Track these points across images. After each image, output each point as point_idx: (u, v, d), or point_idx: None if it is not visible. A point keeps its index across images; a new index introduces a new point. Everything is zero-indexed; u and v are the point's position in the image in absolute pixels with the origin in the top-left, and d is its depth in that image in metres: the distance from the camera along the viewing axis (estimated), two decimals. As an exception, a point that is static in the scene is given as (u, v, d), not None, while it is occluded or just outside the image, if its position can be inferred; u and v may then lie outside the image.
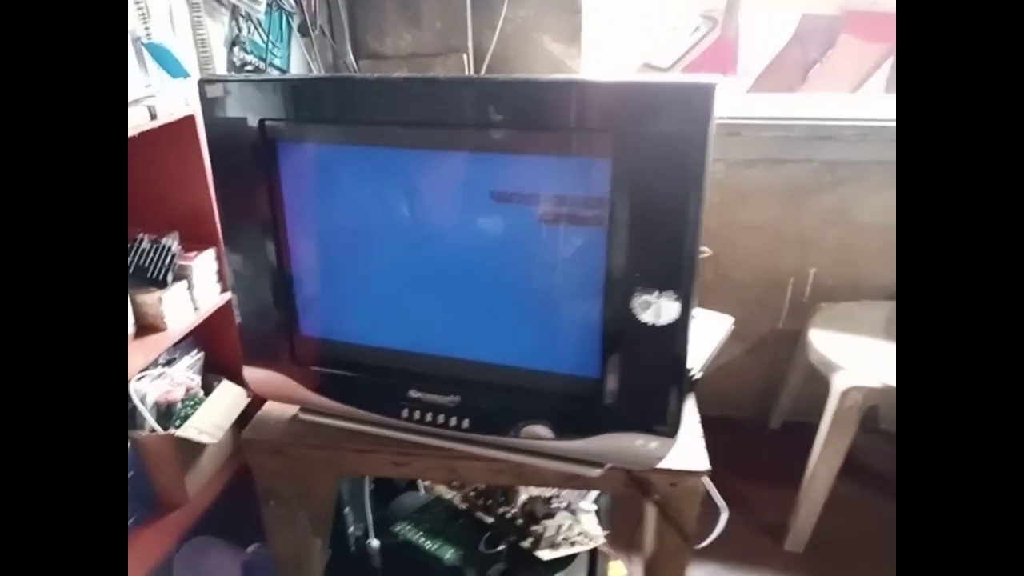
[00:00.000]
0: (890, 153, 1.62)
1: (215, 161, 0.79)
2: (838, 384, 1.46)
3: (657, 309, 0.68)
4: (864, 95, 2.16)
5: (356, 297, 0.82)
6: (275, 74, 1.40)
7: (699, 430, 0.84)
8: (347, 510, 1.23)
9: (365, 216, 0.77)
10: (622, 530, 1.29)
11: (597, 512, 1.23)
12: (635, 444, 0.73)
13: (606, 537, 1.19)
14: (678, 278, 0.66)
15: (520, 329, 0.77)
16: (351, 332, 0.84)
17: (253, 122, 0.74)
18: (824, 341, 1.58)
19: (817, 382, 1.54)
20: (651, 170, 0.64)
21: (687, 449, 0.80)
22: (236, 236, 0.81)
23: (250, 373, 0.88)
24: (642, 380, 0.71)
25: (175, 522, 1.12)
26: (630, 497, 0.83)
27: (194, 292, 1.10)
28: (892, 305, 1.72)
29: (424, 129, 0.71)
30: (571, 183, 0.68)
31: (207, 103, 0.75)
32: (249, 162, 0.77)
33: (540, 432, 0.76)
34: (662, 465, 0.75)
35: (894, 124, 1.65)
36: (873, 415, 1.87)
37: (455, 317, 0.79)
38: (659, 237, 0.66)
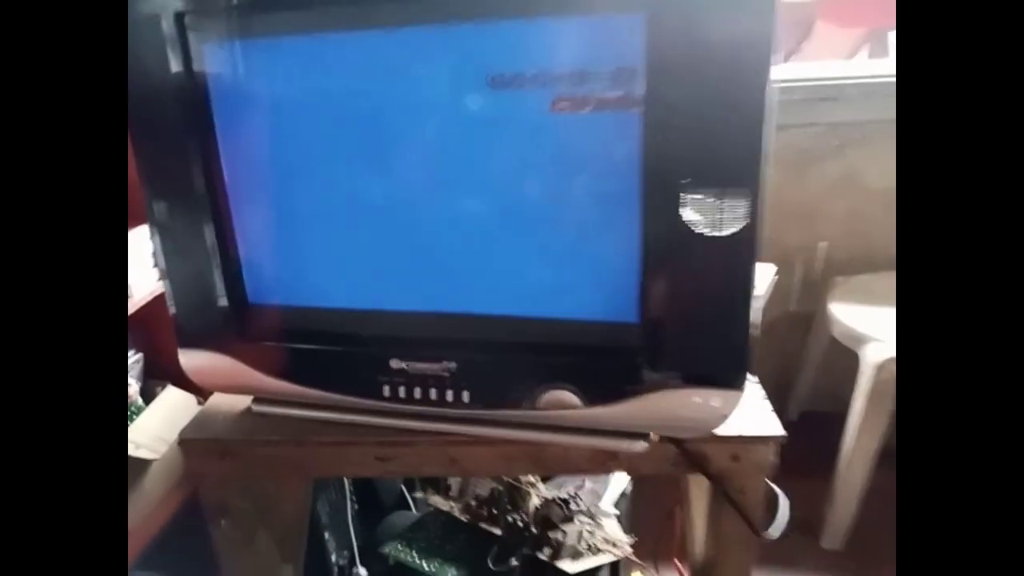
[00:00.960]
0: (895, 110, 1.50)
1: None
2: (871, 357, 1.32)
3: (717, 214, 0.51)
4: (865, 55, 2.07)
5: (316, 245, 0.64)
6: None
7: (760, 390, 0.67)
8: (327, 535, 1.05)
9: (324, 131, 0.60)
10: (646, 536, 1.13)
11: (618, 517, 1.06)
12: (691, 402, 0.56)
13: (631, 545, 1.02)
14: (746, 169, 0.50)
15: (530, 265, 0.59)
16: (311, 293, 0.66)
17: (168, 19, 0.57)
18: (849, 314, 1.44)
19: (838, 366, 1.41)
20: (700, 26, 0.48)
21: (748, 412, 0.63)
22: (156, 174, 0.64)
23: (188, 358, 0.70)
24: (697, 315, 0.55)
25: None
26: (656, 496, 0.66)
27: (123, 275, 0.91)
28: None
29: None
30: (592, 53, 0.51)
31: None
32: (167, 75, 0.59)
33: (565, 399, 0.59)
34: (723, 431, 0.58)
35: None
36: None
37: (445, 258, 0.61)
38: (715, 115, 0.50)
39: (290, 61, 0.58)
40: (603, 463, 0.64)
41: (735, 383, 0.55)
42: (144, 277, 0.94)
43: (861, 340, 1.36)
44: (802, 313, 1.73)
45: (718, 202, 0.51)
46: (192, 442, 0.70)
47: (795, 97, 1.60)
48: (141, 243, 0.93)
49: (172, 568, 0.99)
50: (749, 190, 0.50)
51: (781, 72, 1.67)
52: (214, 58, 0.59)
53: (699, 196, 0.51)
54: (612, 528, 1.01)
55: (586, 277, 0.58)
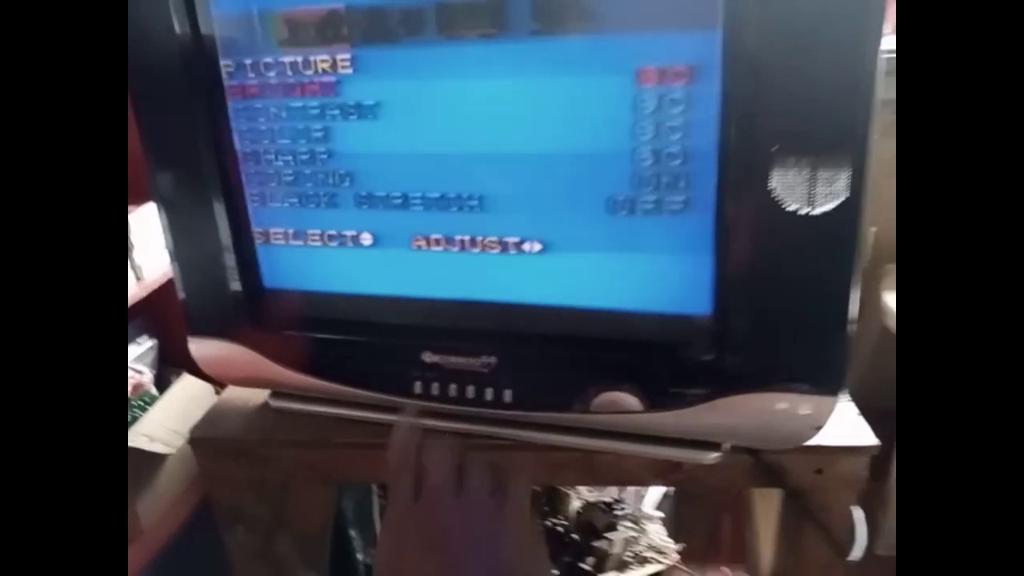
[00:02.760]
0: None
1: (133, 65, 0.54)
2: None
3: (812, 190, 0.43)
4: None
5: (339, 223, 0.57)
6: None
7: (847, 394, 0.58)
8: (353, 532, 0.99)
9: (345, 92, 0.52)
10: (693, 541, 1.06)
11: (663, 519, 0.98)
12: (775, 409, 0.48)
13: (679, 552, 0.94)
14: (848, 135, 0.41)
15: (584, 249, 0.51)
16: (334, 278, 0.59)
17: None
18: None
19: (889, 358, 1.31)
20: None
21: (836, 419, 0.54)
22: (160, 143, 0.57)
23: (198, 347, 0.63)
24: (784, 307, 0.46)
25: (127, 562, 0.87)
26: (699, 498, 0.58)
27: (133, 257, 0.84)
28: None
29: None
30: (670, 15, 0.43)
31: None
32: (171, 37, 0.52)
33: (623, 402, 0.51)
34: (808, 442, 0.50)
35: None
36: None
37: (483, 236, 0.53)
38: (810, 70, 0.41)
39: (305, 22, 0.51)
40: (663, 475, 0.56)
41: (830, 387, 0.47)
42: (156, 258, 0.88)
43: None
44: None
45: (812, 173, 0.43)
46: (204, 441, 0.64)
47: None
48: (152, 221, 0.87)
49: (194, 570, 0.94)
50: (850, 159, 0.42)
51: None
52: (224, 20, 0.52)
53: (789, 169, 0.43)
54: (657, 533, 0.94)
55: (651, 260, 0.50)
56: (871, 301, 1.45)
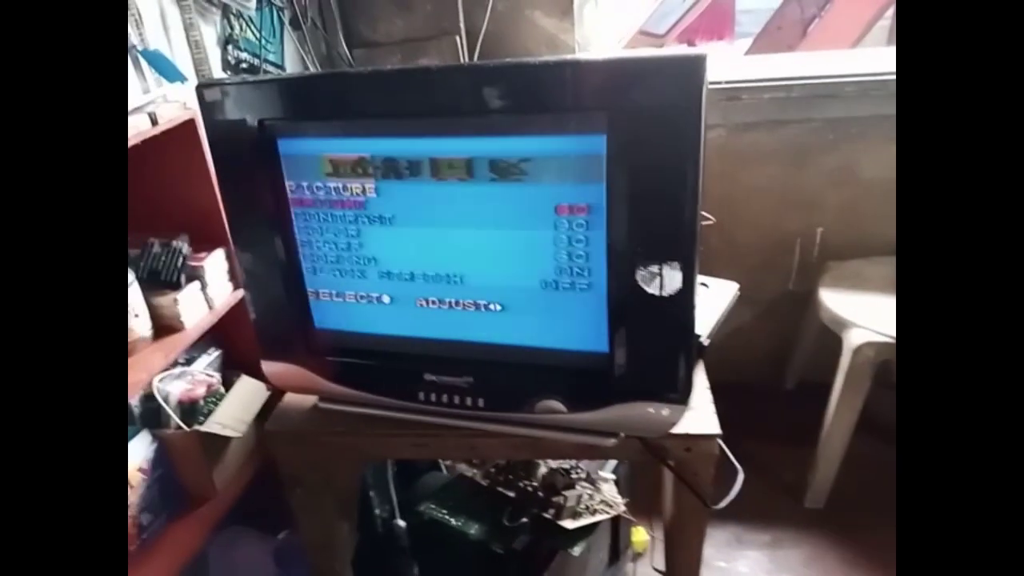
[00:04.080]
0: (892, 107, 1.60)
1: (218, 162, 0.80)
2: (850, 341, 1.47)
3: (661, 280, 0.69)
4: (864, 49, 2.13)
5: (367, 288, 0.84)
6: (271, 72, 1.41)
7: (709, 395, 0.85)
8: (372, 493, 1.26)
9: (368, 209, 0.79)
10: (643, 497, 1.32)
11: (616, 481, 1.25)
12: (647, 412, 0.75)
13: (626, 505, 1.21)
14: (680, 248, 0.67)
15: (531, 313, 0.78)
16: (363, 322, 0.86)
17: (252, 122, 0.76)
18: (835, 299, 1.59)
19: (830, 341, 1.55)
20: (647, 144, 0.65)
21: (699, 414, 0.82)
22: (244, 235, 0.83)
23: (268, 367, 0.91)
24: (651, 350, 0.73)
25: (206, 515, 1.15)
26: (648, 465, 0.85)
27: (207, 291, 1.12)
28: (900, 260, 1.71)
29: (418, 119, 0.72)
30: (567, 163, 0.69)
31: (206, 107, 0.76)
32: (252, 161, 0.78)
33: (554, 407, 0.78)
34: (676, 431, 0.77)
35: (895, 78, 1.64)
36: (887, 370, 1.88)
37: (463, 299, 0.80)
38: (658, 210, 0.67)
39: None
40: (585, 452, 0.84)
41: (680, 399, 0.74)
42: (222, 293, 1.16)
43: (843, 325, 1.51)
44: (799, 292, 1.86)
45: (660, 272, 0.69)
46: (274, 434, 0.92)
47: (794, 94, 1.70)
48: (219, 265, 1.14)
49: (250, 520, 1.23)
50: (684, 262, 0.68)
51: (783, 69, 1.78)
52: (287, 151, 0.78)
53: (647, 268, 0.69)
54: (609, 491, 1.21)
55: (569, 319, 0.77)
56: (815, 293, 1.69)
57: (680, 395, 0.73)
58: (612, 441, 0.80)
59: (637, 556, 1.44)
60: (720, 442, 0.82)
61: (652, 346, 0.73)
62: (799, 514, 1.61)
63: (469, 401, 0.82)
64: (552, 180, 0.70)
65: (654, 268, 0.69)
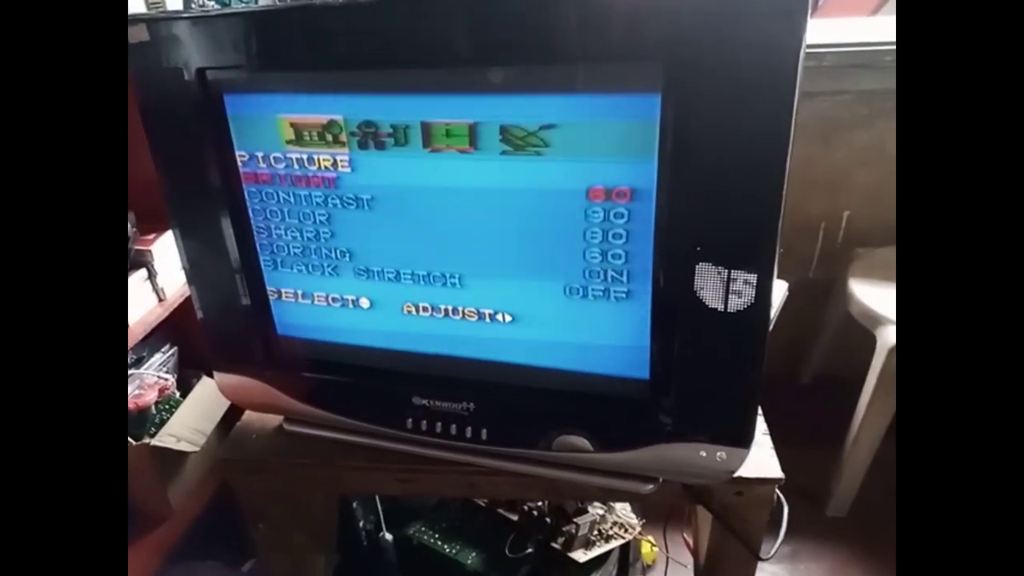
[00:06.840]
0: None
1: (150, 125, 0.62)
2: (885, 339, 1.33)
3: (726, 291, 0.53)
4: (884, 18, 1.96)
5: (342, 287, 0.67)
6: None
7: (764, 426, 0.70)
8: (355, 504, 1.12)
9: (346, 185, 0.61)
10: (655, 515, 1.19)
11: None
12: (699, 456, 0.59)
13: (642, 526, 1.07)
14: (755, 251, 0.51)
15: (551, 323, 0.61)
16: (336, 331, 0.69)
17: (190, 73, 0.58)
18: (867, 292, 1.44)
19: (852, 333, 1.42)
20: (718, 109, 0.48)
21: (755, 452, 0.66)
22: (186, 217, 0.66)
23: (222, 380, 0.74)
24: (707, 379, 0.57)
25: (159, 539, 1.01)
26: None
27: (157, 280, 0.94)
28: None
29: (407, 70, 0.54)
30: (606, 132, 0.52)
31: (131, 51, 0.58)
32: (192, 124, 0.61)
33: (578, 444, 0.62)
34: (727, 474, 0.62)
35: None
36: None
37: (462, 306, 0.63)
38: (728, 199, 0.51)
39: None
40: (612, 496, 0.68)
41: (741, 441, 0.58)
42: (176, 281, 0.98)
43: (877, 321, 1.37)
44: (820, 280, 1.72)
45: (726, 280, 0.52)
46: (230, 462, 0.75)
47: (826, 63, 1.54)
48: (171, 247, 0.96)
49: (211, 546, 1.07)
50: (759, 270, 0.51)
51: (814, 35, 1.62)
52: (236, 111, 0.60)
53: (709, 274, 0.52)
54: (623, 512, 1.06)
55: (601, 334, 0.60)
56: (841, 282, 1.55)
57: (742, 437, 0.58)
58: (649, 487, 0.64)
59: (647, 568, 1.32)
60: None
61: (709, 374, 0.57)
62: (821, 523, 1.49)
63: (469, 432, 0.65)
64: (584, 155, 0.53)
65: (719, 275, 0.52)
